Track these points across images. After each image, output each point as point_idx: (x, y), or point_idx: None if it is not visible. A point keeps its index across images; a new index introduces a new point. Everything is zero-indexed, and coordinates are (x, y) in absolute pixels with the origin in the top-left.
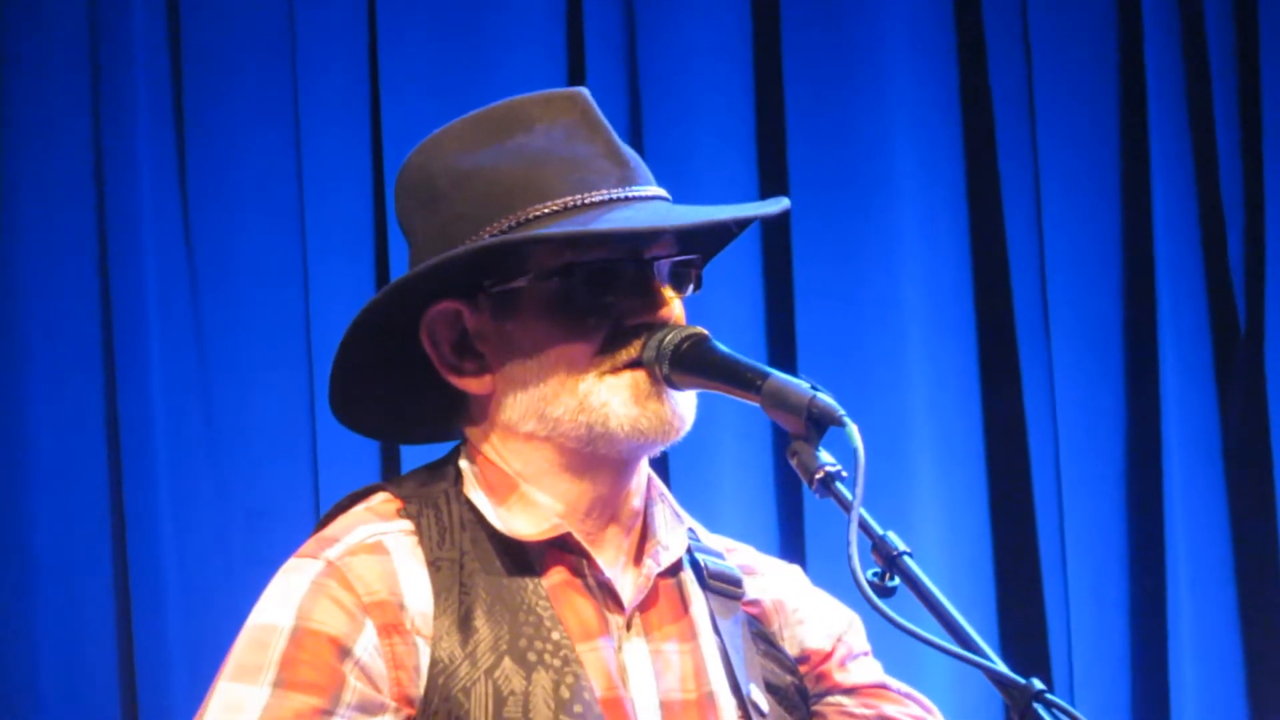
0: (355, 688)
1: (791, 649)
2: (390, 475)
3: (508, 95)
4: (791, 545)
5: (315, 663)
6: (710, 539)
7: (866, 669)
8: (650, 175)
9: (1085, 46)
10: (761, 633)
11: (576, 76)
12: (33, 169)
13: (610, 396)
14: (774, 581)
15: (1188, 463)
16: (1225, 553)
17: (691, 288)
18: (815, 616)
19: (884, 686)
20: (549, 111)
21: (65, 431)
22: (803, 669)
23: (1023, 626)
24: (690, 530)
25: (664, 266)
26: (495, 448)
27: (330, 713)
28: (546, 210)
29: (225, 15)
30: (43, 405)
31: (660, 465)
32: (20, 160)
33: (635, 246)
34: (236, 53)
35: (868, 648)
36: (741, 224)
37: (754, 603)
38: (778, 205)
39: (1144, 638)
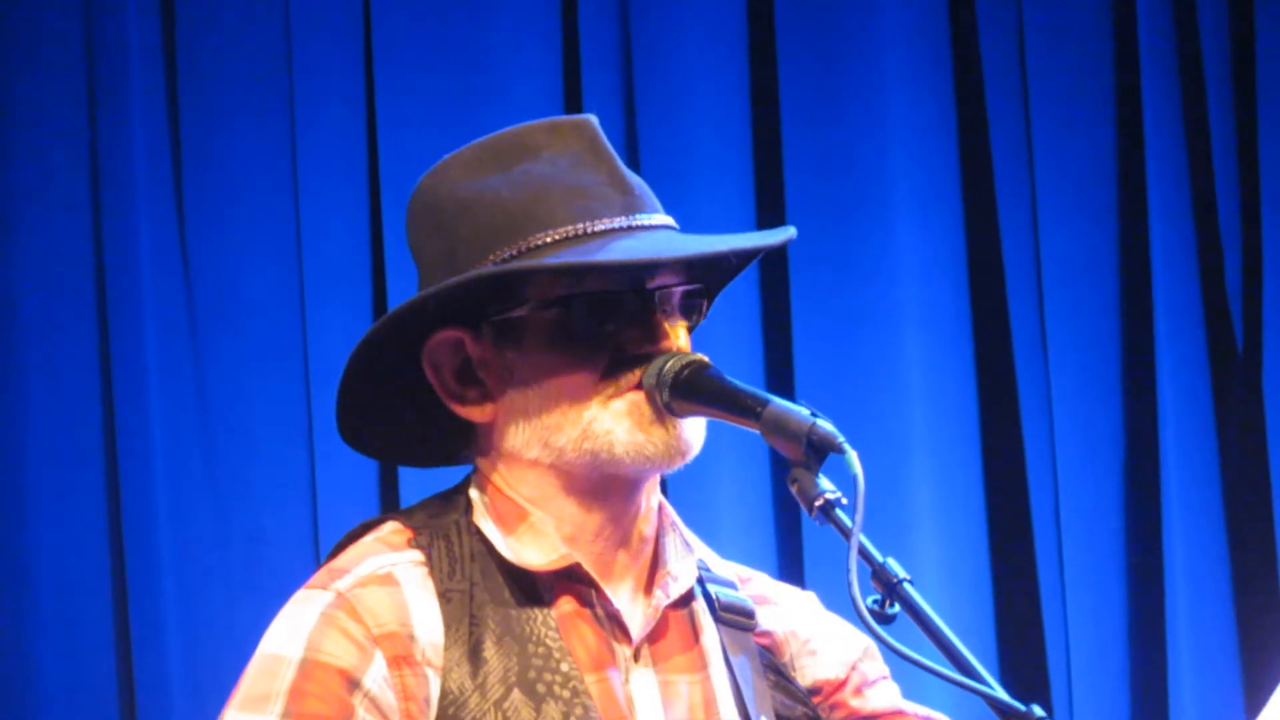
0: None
1: (804, 680)
2: (389, 502)
3: (504, 121)
4: (790, 571)
5: (323, 694)
6: (723, 568)
7: (884, 694)
8: (657, 203)
9: (1082, 68)
10: (773, 664)
11: (573, 100)
12: (29, 195)
13: (614, 424)
14: (787, 611)
15: (1186, 483)
16: (1224, 574)
17: (696, 317)
18: (828, 646)
19: (900, 712)
20: (555, 139)
21: (63, 459)
22: (816, 700)
23: (1022, 652)
24: (701, 561)
25: (671, 295)
26: (502, 475)
27: None
28: (549, 239)
29: (221, 42)
30: (41, 433)
31: (659, 489)
32: (16, 185)
33: (635, 277)
34: (233, 79)
35: (885, 671)
36: (744, 256)
37: (766, 634)
38: (781, 235)
39: (1143, 662)
